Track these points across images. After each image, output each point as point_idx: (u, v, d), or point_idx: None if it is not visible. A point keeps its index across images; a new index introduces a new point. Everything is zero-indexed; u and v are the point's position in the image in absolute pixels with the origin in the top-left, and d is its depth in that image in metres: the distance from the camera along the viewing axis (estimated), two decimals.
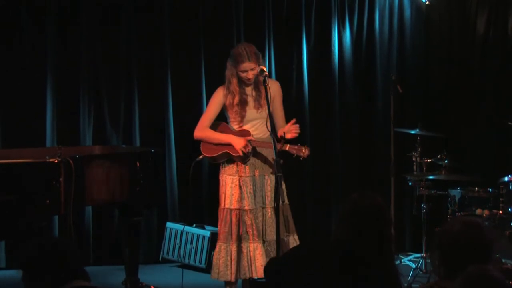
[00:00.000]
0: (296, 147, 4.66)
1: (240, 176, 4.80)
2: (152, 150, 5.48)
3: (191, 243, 6.21)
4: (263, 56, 6.00)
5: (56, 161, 4.45)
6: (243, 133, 4.82)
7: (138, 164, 5.18)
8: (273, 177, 4.69)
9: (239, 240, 4.76)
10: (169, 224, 6.44)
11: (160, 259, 6.44)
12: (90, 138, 6.39)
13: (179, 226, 6.33)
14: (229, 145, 4.78)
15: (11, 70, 6.29)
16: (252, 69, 4.73)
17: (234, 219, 4.76)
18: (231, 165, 4.84)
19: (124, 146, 6.38)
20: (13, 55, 6.29)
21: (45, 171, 4.46)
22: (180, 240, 6.28)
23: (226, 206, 4.81)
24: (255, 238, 4.74)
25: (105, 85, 6.47)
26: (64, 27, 6.37)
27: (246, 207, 4.76)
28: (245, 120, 4.85)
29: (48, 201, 4.41)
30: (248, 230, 4.74)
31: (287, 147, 4.64)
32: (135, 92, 6.51)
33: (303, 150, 4.66)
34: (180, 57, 6.62)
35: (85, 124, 6.38)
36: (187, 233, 6.26)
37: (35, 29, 6.31)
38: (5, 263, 6.28)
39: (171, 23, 6.58)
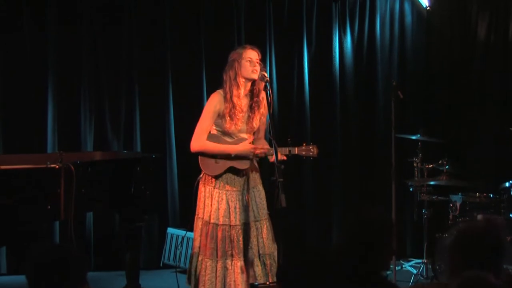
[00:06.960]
0: (303, 148, 4.61)
1: (227, 191, 4.59)
2: (153, 156, 5.49)
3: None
4: (264, 62, 5.99)
5: (57, 166, 4.45)
6: (241, 141, 4.60)
7: (139, 170, 5.18)
8: (261, 187, 4.65)
9: (225, 256, 4.55)
10: (170, 230, 6.44)
11: (161, 265, 6.44)
12: (91, 143, 6.40)
13: (180, 232, 6.33)
14: (233, 159, 4.55)
15: (11, 75, 6.29)
16: (257, 61, 4.58)
17: (220, 235, 4.55)
18: (219, 179, 4.60)
19: (125, 151, 6.39)
20: (13, 58, 6.29)
21: (46, 177, 4.45)
22: (181, 246, 6.27)
23: (212, 221, 4.57)
24: (236, 255, 4.54)
25: (106, 90, 6.48)
26: (65, 29, 6.38)
27: (232, 223, 4.56)
28: (231, 133, 4.61)
29: (48, 206, 4.40)
30: (232, 246, 4.54)
31: (296, 150, 4.58)
32: (136, 97, 6.52)
33: (311, 149, 4.63)
34: (180, 62, 6.62)
35: (86, 130, 6.39)
36: (188, 238, 6.25)
37: (36, 33, 6.32)
38: (6, 269, 6.28)
39: (171, 26, 6.59)
